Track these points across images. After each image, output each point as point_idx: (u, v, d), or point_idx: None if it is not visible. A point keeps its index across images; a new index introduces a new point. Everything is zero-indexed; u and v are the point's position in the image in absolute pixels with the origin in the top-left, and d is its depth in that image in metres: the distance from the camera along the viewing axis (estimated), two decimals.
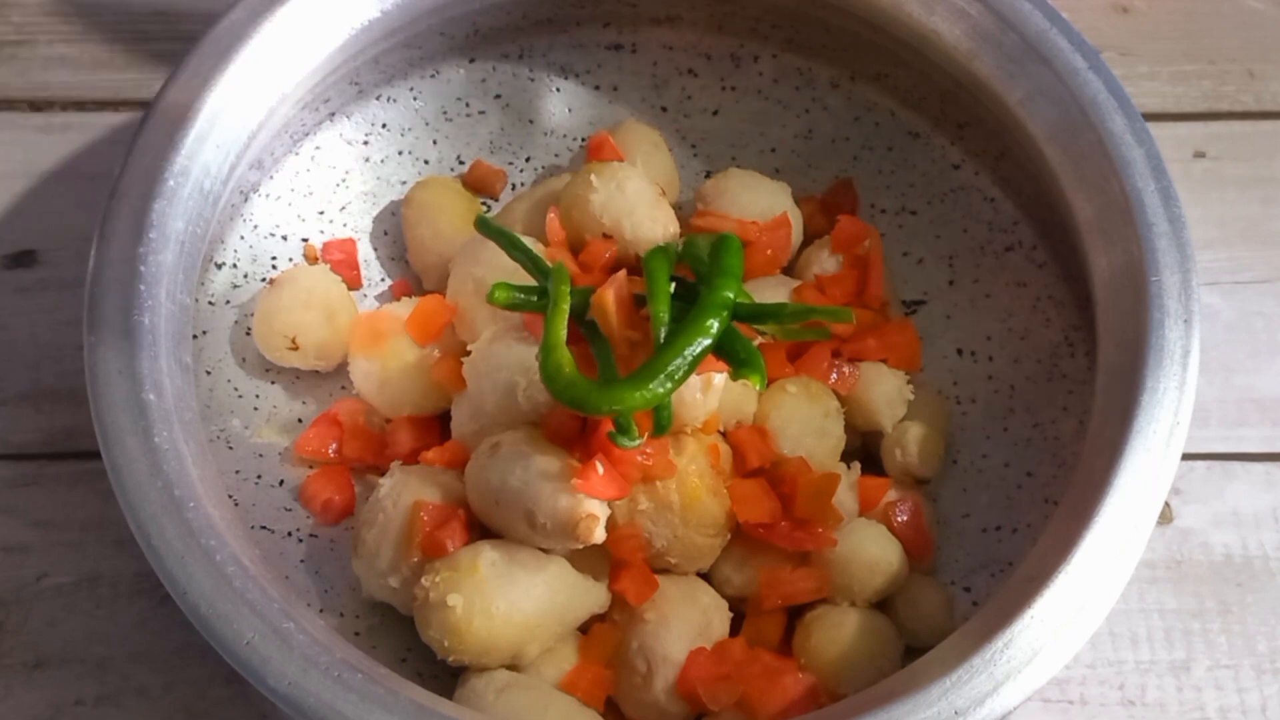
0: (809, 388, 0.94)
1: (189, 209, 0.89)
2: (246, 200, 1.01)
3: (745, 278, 0.92)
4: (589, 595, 0.88)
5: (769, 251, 1.00)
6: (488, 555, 0.86)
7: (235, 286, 1.01)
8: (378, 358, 0.96)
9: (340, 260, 1.03)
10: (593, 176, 0.98)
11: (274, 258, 1.02)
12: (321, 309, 0.98)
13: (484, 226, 0.95)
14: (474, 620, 0.84)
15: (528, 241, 0.94)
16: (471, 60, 1.08)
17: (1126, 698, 0.97)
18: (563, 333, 0.86)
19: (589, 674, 0.89)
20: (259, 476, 0.96)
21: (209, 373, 0.98)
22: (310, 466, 0.97)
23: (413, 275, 1.05)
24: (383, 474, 0.93)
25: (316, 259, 1.03)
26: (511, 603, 0.85)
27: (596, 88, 1.11)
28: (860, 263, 1.01)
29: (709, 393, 0.88)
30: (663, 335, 0.86)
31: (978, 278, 1.05)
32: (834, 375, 0.96)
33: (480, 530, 0.90)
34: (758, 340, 0.93)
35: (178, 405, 0.83)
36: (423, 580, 0.86)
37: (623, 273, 0.90)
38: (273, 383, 1.00)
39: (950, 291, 1.06)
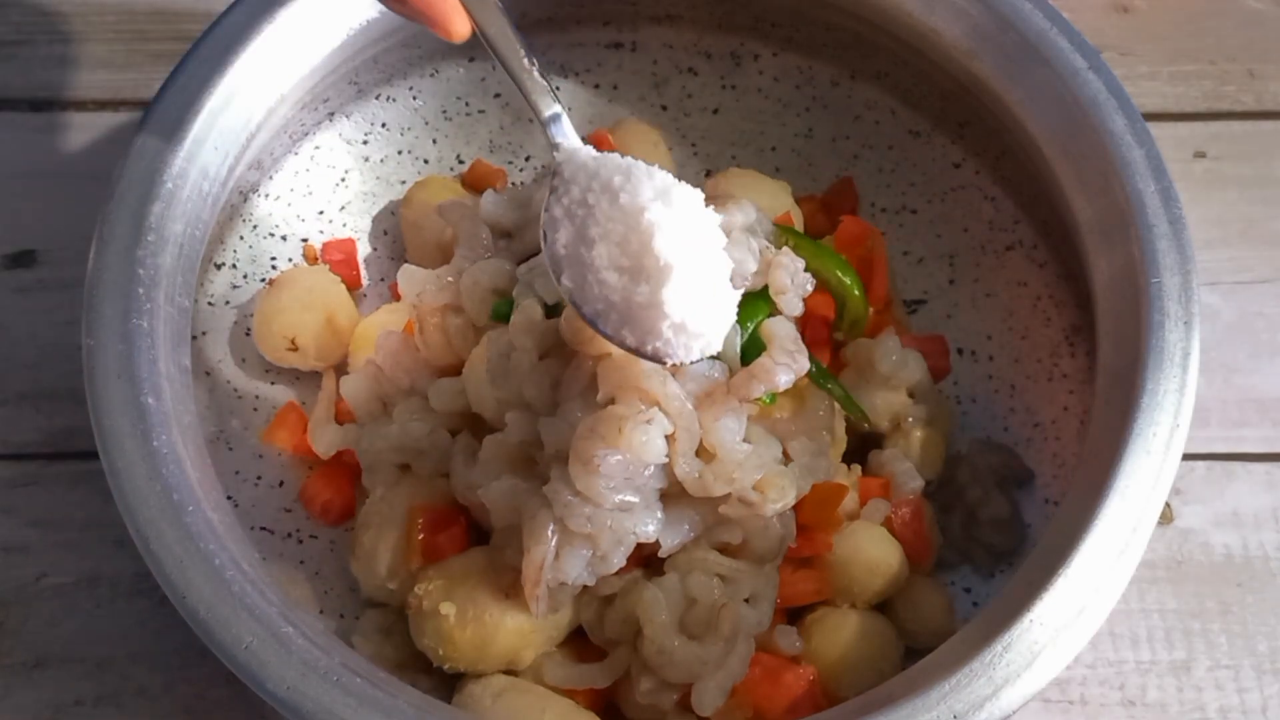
0: (808, 389, 0.94)
1: (187, 211, 0.89)
2: (246, 200, 1.01)
3: None
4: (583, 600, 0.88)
5: None
6: (480, 562, 0.86)
7: (235, 287, 1.01)
8: None
9: (340, 260, 1.03)
10: None
11: (274, 258, 1.02)
12: (321, 309, 0.98)
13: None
14: (467, 628, 0.84)
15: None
16: (471, 59, 1.08)
17: (1127, 698, 0.97)
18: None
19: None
20: (259, 477, 0.97)
21: (209, 373, 0.98)
22: (310, 467, 0.97)
23: None
24: None
25: (316, 259, 1.03)
26: (504, 609, 0.85)
27: (596, 86, 1.11)
28: (864, 263, 1.01)
29: None
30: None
31: (978, 277, 1.05)
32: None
33: (477, 534, 0.90)
34: None
35: (176, 408, 0.83)
36: (415, 589, 0.86)
37: None
38: (273, 383, 1.00)
39: (951, 291, 1.06)
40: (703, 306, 0.79)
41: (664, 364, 0.80)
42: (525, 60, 0.82)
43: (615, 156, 0.80)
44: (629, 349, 0.80)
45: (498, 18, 0.81)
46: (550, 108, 0.83)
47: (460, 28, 0.79)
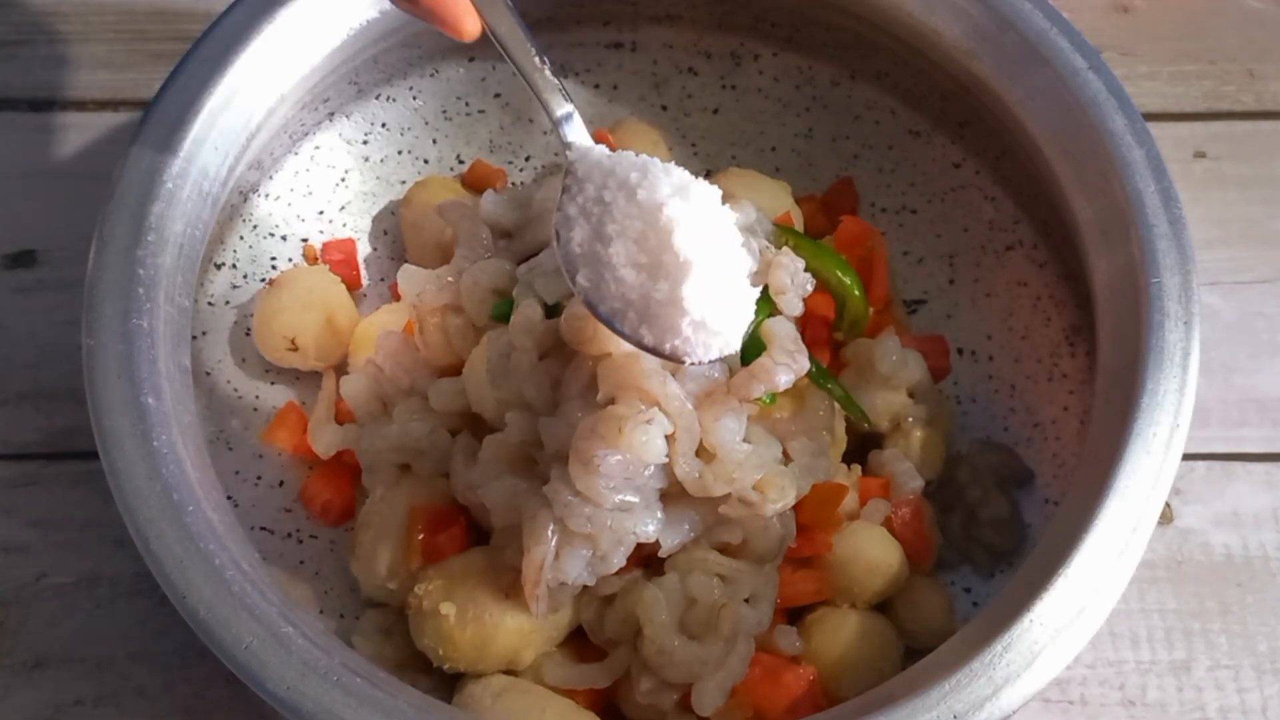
0: (808, 389, 0.94)
1: (188, 211, 0.89)
2: (246, 200, 1.01)
3: None
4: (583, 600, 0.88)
5: None
6: (480, 562, 0.86)
7: (235, 287, 1.00)
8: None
9: (340, 260, 1.03)
10: None
11: (274, 258, 1.02)
12: (321, 309, 0.98)
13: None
14: (467, 628, 0.84)
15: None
16: (471, 59, 1.08)
17: (1127, 698, 0.97)
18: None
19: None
20: (259, 477, 0.97)
21: (209, 373, 0.98)
22: (310, 467, 0.97)
23: None
24: None
25: (316, 259, 1.03)
26: (504, 609, 0.85)
27: (596, 86, 1.11)
28: (864, 263, 1.01)
29: None
30: None
31: (978, 277, 1.05)
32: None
33: (477, 534, 0.90)
34: None
35: (176, 408, 0.83)
36: (415, 589, 0.86)
37: None
38: (273, 383, 1.00)
39: (950, 291, 1.06)
40: (722, 304, 0.78)
41: (683, 363, 0.80)
42: (536, 59, 0.82)
43: (630, 154, 0.80)
44: (647, 348, 0.79)
45: (507, 17, 0.81)
46: (562, 107, 0.83)
47: (471, 27, 0.79)
